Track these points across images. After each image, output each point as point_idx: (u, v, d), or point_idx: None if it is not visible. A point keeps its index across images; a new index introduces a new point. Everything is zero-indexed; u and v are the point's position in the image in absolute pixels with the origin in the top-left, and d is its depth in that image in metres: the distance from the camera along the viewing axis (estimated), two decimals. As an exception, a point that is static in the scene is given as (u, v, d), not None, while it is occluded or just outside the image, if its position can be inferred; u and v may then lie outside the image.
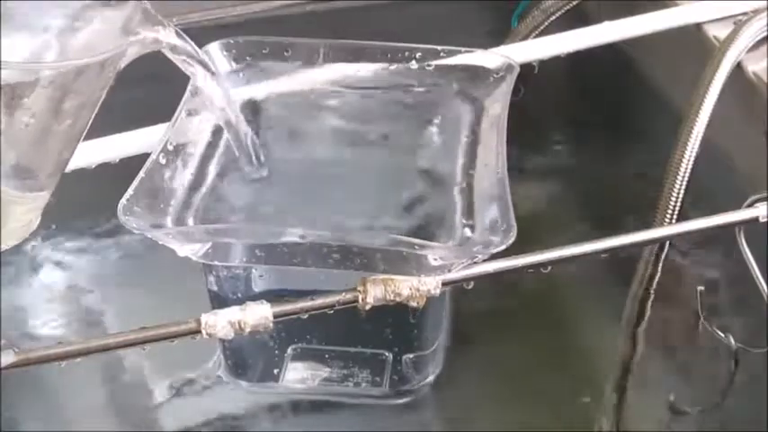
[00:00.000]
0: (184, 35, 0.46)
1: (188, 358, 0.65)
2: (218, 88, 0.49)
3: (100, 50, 0.41)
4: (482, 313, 0.67)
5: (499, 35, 0.79)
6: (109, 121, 0.55)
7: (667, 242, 0.61)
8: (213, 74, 0.48)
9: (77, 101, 0.40)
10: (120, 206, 0.46)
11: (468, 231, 0.48)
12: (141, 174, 0.48)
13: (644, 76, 0.76)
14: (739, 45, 0.62)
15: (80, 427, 0.64)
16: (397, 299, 0.46)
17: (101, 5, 0.42)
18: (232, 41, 0.58)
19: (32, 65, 0.39)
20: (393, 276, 0.46)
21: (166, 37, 0.45)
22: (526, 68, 0.60)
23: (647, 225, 0.60)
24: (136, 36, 0.43)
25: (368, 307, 0.47)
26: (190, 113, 0.53)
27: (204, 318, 0.45)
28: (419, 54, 0.59)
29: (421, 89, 0.59)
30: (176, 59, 0.46)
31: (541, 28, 0.75)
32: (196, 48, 0.47)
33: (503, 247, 0.45)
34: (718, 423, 0.60)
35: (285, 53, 0.59)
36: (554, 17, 0.74)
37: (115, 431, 0.65)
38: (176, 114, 0.53)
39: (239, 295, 0.57)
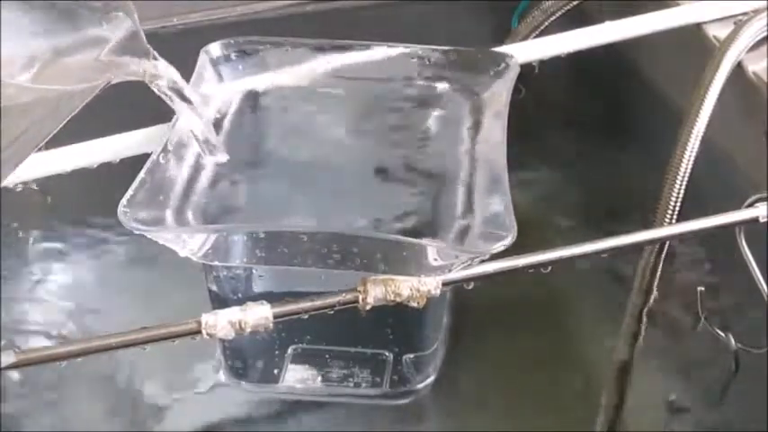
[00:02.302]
0: (170, 67, 0.47)
1: (188, 359, 0.65)
2: (198, 120, 0.50)
3: (84, 75, 0.42)
4: (483, 313, 0.67)
5: (499, 35, 0.79)
6: (110, 120, 0.55)
7: (667, 242, 0.61)
8: (194, 106, 0.49)
9: (53, 117, 0.42)
10: (120, 206, 0.46)
11: (467, 228, 0.48)
12: (142, 174, 0.48)
13: (644, 76, 0.76)
14: (739, 45, 0.62)
15: (80, 427, 0.64)
16: (398, 299, 0.46)
17: (93, 31, 0.44)
18: (232, 41, 0.59)
19: (26, 86, 0.40)
20: (393, 276, 0.46)
21: (152, 69, 0.46)
22: (526, 68, 0.60)
23: (647, 225, 0.61)
24: (122, 66, 0.44)
25: (368, 307, 0.47)
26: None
27: (204, 318, 0.46)
28: (419, 52, 0.59)
29: (421, 82, 0.59)
30: (156, 89, 0.47)
31: (542, 28, 0.75)
32: (179, 79, 0.48)
33: (502, 247, 0.45)
34: (718, 423, 0.60)
35: (285, 53, 0.59)
36: (554, 17, 0.74)
37: (115, 431, 0.65)
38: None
39: (239, 295, 0.57)
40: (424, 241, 0.46)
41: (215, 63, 0.58)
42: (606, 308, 0.69)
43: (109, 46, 0.44)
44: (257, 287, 0.58)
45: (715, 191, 0.63)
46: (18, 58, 0.41)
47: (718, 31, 0.65)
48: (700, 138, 0.60)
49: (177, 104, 0.49)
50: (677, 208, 0.60)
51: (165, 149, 0.51)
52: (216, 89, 0.57)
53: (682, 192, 0.60)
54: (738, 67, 0.62)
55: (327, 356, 0.62)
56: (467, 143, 0.54)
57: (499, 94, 0.56)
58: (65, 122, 0.44)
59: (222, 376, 0.64)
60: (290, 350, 0.62)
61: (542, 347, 0.67)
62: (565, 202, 0.79)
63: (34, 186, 0.58)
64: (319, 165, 0.54)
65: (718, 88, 0.60)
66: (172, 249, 0.48)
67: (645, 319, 0.63)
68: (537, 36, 0.74)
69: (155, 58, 0.46)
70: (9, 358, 0.44)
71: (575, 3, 0.74)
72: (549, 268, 0.49)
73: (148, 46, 0.46)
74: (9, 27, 0.41)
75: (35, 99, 0.41)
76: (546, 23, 0.75)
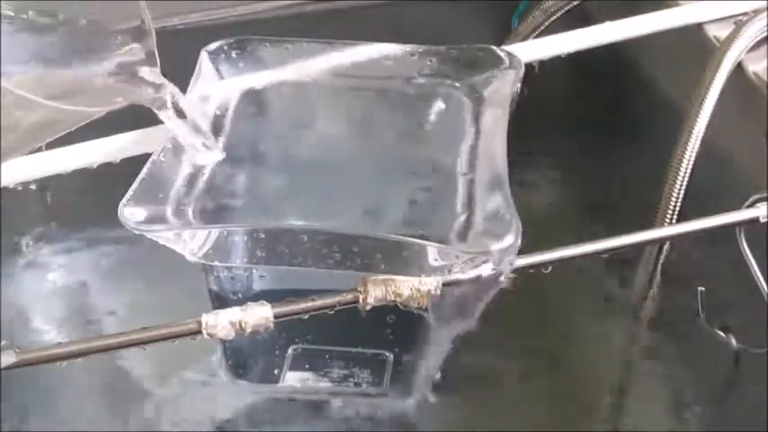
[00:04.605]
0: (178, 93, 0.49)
1: (189, 358, 0.65)
2: (199, 141, 0.51)
3: (97, 98, 0.44)
4: (482, 313, 0.67)
5: (499, 35, 0.79)
6: (110, 120, 0.55)
7: (667, 242, 0.61)
8: (195, 133, 0.50)
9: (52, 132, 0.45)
10: (120, 206, 0.46)
11: (468, 228, 0.48)
12: (142, 174, 0.48)
13: (644, 77, 0.76)
14: (740, 45, 0.62)
15: (80, 426, 0.64)
16: (398, 299, 0.46)
17: (108, 54, 0.45)
18: (232, 41, 0.59)
19: (39, 102, 0.41)
20: (393, 277, 0.46)
21: (163, 96, 0.48)
22: (526, 69, 0.60)
23: (648, 225, 0.61)
24: (134, 93, 0.45)
25: (368, 307, 0.47)
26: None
27: (205, 318, 0.46)
28: (420, 50, 0.59)
29: (422, 80, 0.59)
30: (160, 114, 0.48)
31: (542, 28, 0.75)
32: (186, 105, 0.49)
33: (504, 246, 0.45)
34: (718, 423, 0.60)
35: (285, 53, 0.59)
36: (554, 17, 0.74)
37: (115, 431, 0.65)
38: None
39: (240, 295, 0.57)
40: (424, 241, 0.46)
41: (215, 62, 0.58)
42: (607, 307, 0.69)
43: (121, 69, 0.45)
44: (258, 287, 0.58)
45: (715, 191, 0.63)
46: (34, 76, 0.42)
47: (718, 31, 0.65)
48: (700, 138, 0.60)
49: (177, 128, 0.50)
50: (677, 208, 0.60)
51: (165, 149, 0.51)
52: (216, 88, 0.57)
53: (682, 192, 0.60)
54: (738, 68, 0.62)
55: (327, 356, 0.62)
56: (468, 142, 0.54)
57: (501, 93, 0.56)
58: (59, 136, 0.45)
59: (223, 376, 0.64)
60: (290, 350, 0.62)
61: (544, 347, 0.67)
62: (565, 201, 0.79)
63: (34, 186, 0.58)
64: (320, 164, 0.54)
65: (718, 88, 0.60)
66: (172, 249, 0.48)
67: (646, 317, 0.63)
68: (537, 36, 0.75)
69: (164, 85, 0.47)
70: (9, 358, 0.44)
71: (575, 3, 0.74)
72: (549, 268, 0.49)
73: (160, 73, 0.47)
74: (25, 46, 0.42)
75: (44, 115, 0.41)
76: (546, 23, 0.75)
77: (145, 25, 0.47)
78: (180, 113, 0.49)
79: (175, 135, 0.50)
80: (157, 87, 0.47)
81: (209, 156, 0.52)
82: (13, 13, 0.45)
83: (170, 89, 0.48)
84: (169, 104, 0.48)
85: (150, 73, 0.47)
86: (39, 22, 0.45)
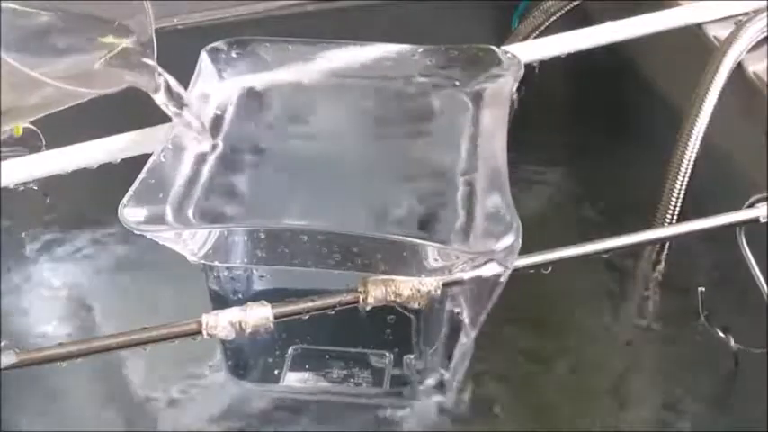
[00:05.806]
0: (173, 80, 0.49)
1: (189, 358, 0.65)
2: (193, 127, 0.52)
3: (96, 81, 0.46)
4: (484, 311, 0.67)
5: (499, 35, 0.79)
6: (110, 120, 0.55)
7: (667, 242, 0.61)
8: (191, 119, 0.51)
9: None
10: (120, 206, 0.46)
11: (469, 228, 0.48)
12: (142, 174, 0.49)
13: (644, 77, 0.76)
14: (740, 45, 0.62)
15: (80, 426, 0.64)
16: (398, 299, 0.46)
17: (109, 40, 0.45)
18: (233, 41, 0.59)
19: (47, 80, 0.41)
20: (393, 277, 0.46)
21: (159, 82, 0.49)
22: (526, 69, 0.60)
23: (647, 225, 0.61)
24: (131, 78, 0.47)
25: (368, 308, 0.47)
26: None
27: (205, 318, 0.46)
28: (420, 50, 0.59)
29: (422, 80, 0.59)
30: (157, 99, 0.49)
31: (542, 28, 0.75)
32: (182, 91, 0.50)
33: (503, 247, 0.45)
34: (718, 423, 0.60)
35: (286, 53, 0.59)
36: (555, 17, 0.75)
37: (115, 431, 0.65)
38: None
39: (240, 295, 0.57)
40: (424, 241, 0.46)
41: (216, 62, 0.58)
42: (607, 307, 0.69)
43: (119, 54, 0.46)
44: (258, 286, 0.58)
45: (715, 191, 0.63)
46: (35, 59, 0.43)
47: (718, 32, 0.65)
48: (700, 138, 0.60)
49: (175, 116, 0.50)
50: (677, 208, 0.60)
51: (165, 149, 0.51)
52: (216, 88, 0.57)
53: (682, 192, 0.60)
54: (738, 68, 0.62)
55: (328, 356, 0.62)
56: (468, 142, 0.54)
57: (501, 93, 0.56)
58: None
59: (223, 376, 0.64)
60: (290, 350, 0.62)
61: (544, 347, 0.67)
62: (565, 201, 0.79)
63: (34, 186, 0.58)
64: (320, 164, 0.54)
65: (719, 88, 0.60)
66: (172, 249, 0.48)
67: (647, 317, 0.63)
68: (537, 36, 0.75)
69: (159, 73, 0.48)
70: (10, 358, 0.44)
71: (575, 3, 0.74)
72: (549, 268, 0.49)
73: (155, 60, 0.48)
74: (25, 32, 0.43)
75: (46, 94, 0.42)
76: (546, 24, 0.75)
77: (144, 15, 0.47)
78: (176, 100, 0.49)
79: (171, 119, 0.50)
80: (151, 72, 0.47)
81: (204, 143, 0.52)
82: (15, 6, 0.45)
83: (164, 75, 0.48)
84: (162, 88, 0.48)
85: (144, 59, 0.47)
86: (39, 12, 0.46)
